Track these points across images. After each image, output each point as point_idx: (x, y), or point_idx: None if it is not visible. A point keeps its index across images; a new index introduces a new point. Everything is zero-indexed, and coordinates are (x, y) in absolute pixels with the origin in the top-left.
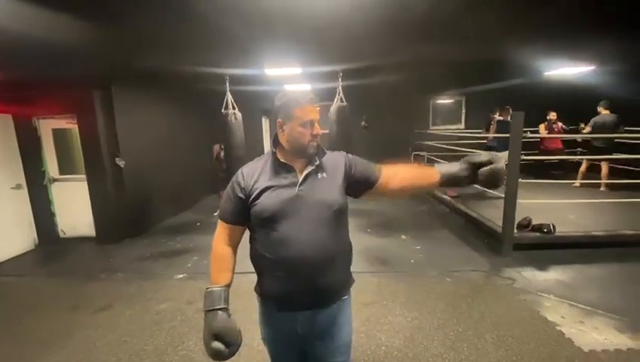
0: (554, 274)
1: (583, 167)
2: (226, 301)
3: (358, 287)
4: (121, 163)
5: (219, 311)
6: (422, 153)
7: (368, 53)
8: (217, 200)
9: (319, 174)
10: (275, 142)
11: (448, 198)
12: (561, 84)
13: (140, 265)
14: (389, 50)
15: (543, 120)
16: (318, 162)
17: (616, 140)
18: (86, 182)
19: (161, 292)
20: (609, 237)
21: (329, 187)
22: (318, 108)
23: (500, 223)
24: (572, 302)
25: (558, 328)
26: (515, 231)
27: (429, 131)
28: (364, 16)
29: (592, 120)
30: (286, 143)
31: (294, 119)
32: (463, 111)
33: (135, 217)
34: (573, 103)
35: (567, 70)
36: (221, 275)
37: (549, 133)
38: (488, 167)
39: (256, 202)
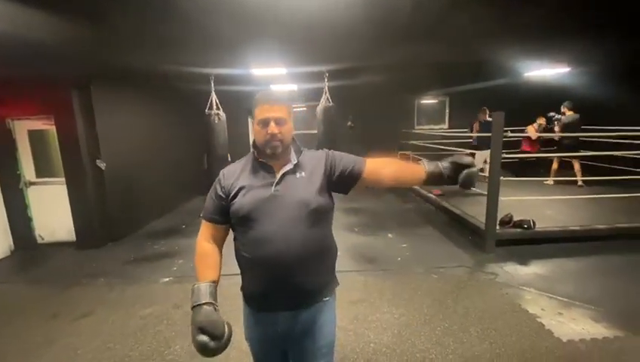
0: (534, 268)
1: (554, 165)
2: (212, 295)
3: (345, 286)
4: (102, 165)
5: (204, 306)
6: (407, 152)
7: (354, 54)
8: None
9: (297, 173)
10: (255, 142)
11: (433, 197)
12: (539, 85)
13: (123, 269)
14: (374, 51)
15: (525, 119)
16: (295, 161)
17: (580, 138)
18: (65, 186)
19: (145, 296)
20: (585, 231)
21: (307, 186)
22: (282, 107)
23: (483, 220)
24: (551, 295)
25: (538, 320)
26: (498, 227)
27: (414, 131)
28: (350, 16)
29: (562, 120)
30: (256, 143)
31: (255, 118)
32: (447, 111)
33: (117, 221)
34: (550, 103)
35: (545, 71)
36: (207, 272)
37: (534, 138)
38: (467, 170)
39: (234, 201)
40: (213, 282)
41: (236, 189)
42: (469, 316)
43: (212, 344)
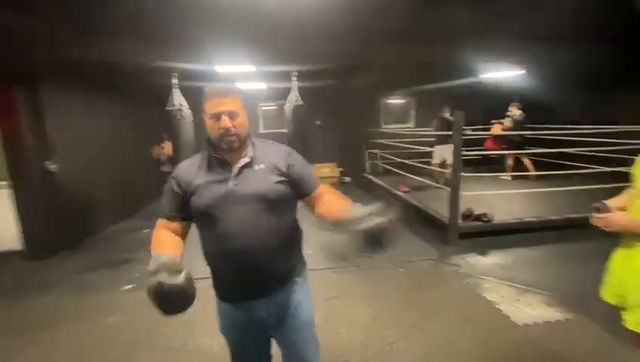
0: (494, 259)
1: (510, 162)
2: (179, 265)
3: (318, 284)
4: (52, 167)
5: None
6: (375, 151)
7: (322, 55)
8: None
9: (256, 166)
10: (209, 137)
11: (401, 193)
12: (498, 86)
13: (81, 278)
14: (341, 52)
15: (485, 118)
16: (252, 153)
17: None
18: (9, 190)
19: (107, 305)
20: (540, 222)
21: (265, 178)
22: (234, 100)
23: (447, 214)
24: (509, 283)
25: (497, 306)
26: (460, 221)
27: (381, 130)
28: (316, 18)
29: (512, 119)
30: (210, 138)
31: (206, 113)
32: (413, 110)
33: (72, 226)
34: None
35: (503, 73)
36: (165, 247)
37: (496, 137)
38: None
39: (193, 198)
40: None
41: (193, 186)
42: (434, 306)
43: (169, 282)
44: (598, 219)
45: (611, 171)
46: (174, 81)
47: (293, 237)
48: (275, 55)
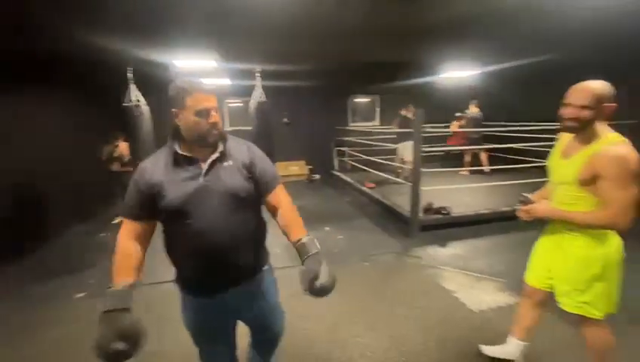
0: (452, 249)
1: (467, 158)
2: (131, 301)
3: (284, 282)
4: None
5: (126, 311)
6: (343, 148)
7: (286, 53)
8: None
9: (225, 162)
10: (175, 134)
11: (367, 190)
12: (458, 85)
13: (28, 288)
14: (305, 51)
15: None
16: (222, 149)
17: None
18: None
19: (56, 316)
20: (493, 214)
21: (235, 174)
22: (215, 97)
23: (409, 208)
24: (465, 271)
25: (454, 294)
26: (421, 214)
27: (348, 128)
28: (281, 17)
29: (468, 116)
30: (184, 133)
31: (186, 108)
32: (378, 109)
33: (14, 234)
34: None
35: (461, 73)
36: (126, 273)
37: (455, 132)
38: (313, 288)
39: (163, 196)
40: (132, 286)
41: (161, 185)
42: (396, 298)
43: (128, 353)
44: (522, 210)
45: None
46: (130, 75)
47: (260, 230)
48: (238, 52)
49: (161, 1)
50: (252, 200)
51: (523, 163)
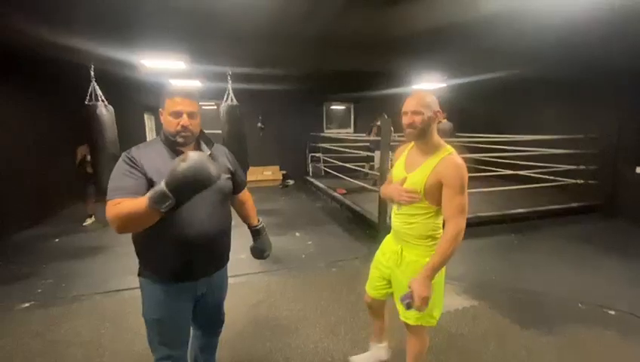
0: None
1: None
2: None
3: (248, 289)
4: None
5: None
6: (317, 154)
7: (259, 58)
8: (83, 209)
9: None
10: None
11: (339, 195)
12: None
13: None
14: (279, 57)
15: None
16: (208, 151)
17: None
18: None
19: None
20: None
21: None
22: (195, 102)
23: (377, 214)
24: None
25: None
26: (388, 220)
27: (322, 134)
28: (254, 21)
29: (439, 127)
30: (164, 132)
31: (165, 108)
32: (352, 116)
33: None
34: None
35: (432, 84)
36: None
37: None
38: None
39: (155, 184)
40: None
41: (155, 173)
42: (359, 303)
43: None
44: (421, 305)
45: (522, 174)
46: (92, 73)
47: (231, 224)
48: (208, 54)
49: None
50: (229, 197)
51: (487, 172)
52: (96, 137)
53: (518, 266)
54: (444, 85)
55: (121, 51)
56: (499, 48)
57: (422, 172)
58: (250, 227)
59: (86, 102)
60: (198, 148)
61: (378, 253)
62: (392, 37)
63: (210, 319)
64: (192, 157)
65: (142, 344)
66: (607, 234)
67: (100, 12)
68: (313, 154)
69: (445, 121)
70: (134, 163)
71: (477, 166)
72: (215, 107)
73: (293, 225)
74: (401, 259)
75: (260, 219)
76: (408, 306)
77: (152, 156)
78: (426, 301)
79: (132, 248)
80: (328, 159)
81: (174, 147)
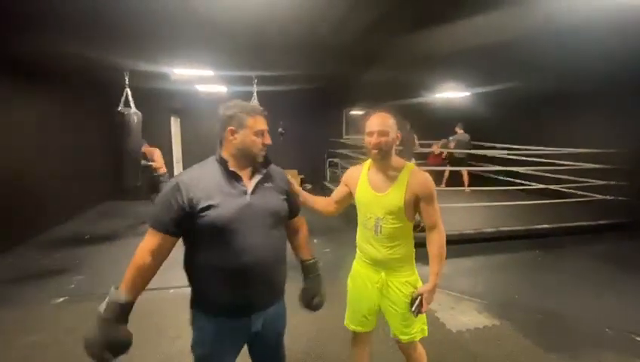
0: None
1: (447, 174)
2: (128, 316)
3: None
4: None
5: (124, 324)
6: (335, 160)
7: (282, 64)
8: (117, 208)
9: (266, 183)
10: (224, 151)
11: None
12: (447, 105)
13: (3, 290)
14: (301, 63)
15: (436, 134)
16: (265, 171)
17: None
18: None
19: (29, 321)
20: (476, 234)
21: (276, 195)
22: (266, 121)
23: None
24: (447, 291)
25: (435, 314)
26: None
27: (341, 140)
28: (277, 28)
29: (455, 138)
30: (237, 151)
31: (247, 128)
32: None
33: None
34: (454, 121)
35: (449, 94)
36: (135, 288)
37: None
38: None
39: (207, 212)
40: (132, 303)
41: (207, 199)
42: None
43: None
44: (424, 306)
45: (540, 188)
46: (127, 81)
47: (286, 251)
48: (234, 61)
49: (155, 16)
50: (284, 221)
51: (511, 185)
52: (124, 141)
53: (542, 285)
54: (467, 94)
55: (153, 63)
56: (528, 60)
57: (398, 190)
58: (301, 262)
59: (119, 108)
60: (254, 169)
61: (358, 285)
62: (420, 53)
63: (269, 357)
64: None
65: (167, 345)
66: (637, 255)
67: (133, 27)
68: (331, 159)
69: (462, 131)
70: (182, 192)
71: (500, 177)
72: None
73: (310, 231)
74: (387, 288)
75: (314, 257)
76: (417, 313)
77: (208, 178)
78: (429, 303)
79: None
80: (346, 166)
81: (228, 167)
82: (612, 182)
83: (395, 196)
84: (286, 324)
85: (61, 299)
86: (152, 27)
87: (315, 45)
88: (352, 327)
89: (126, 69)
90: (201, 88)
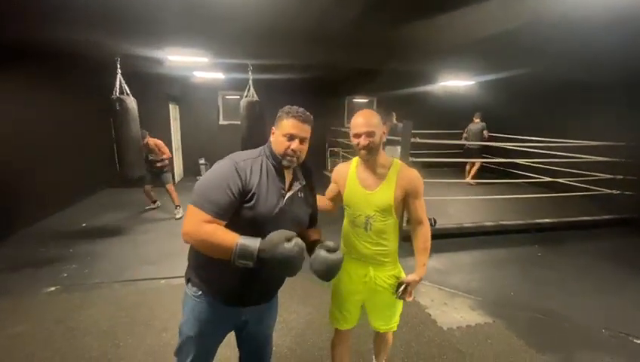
0: (431, 262)
1: (468, 167)
2: None
3: None
4: None
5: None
6: (336, 149)
7: (276, 52)
8: (116, 196)
9: (300, 193)
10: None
11: None
12: (452, 93)
13: None
14: (298, 51)
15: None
16: (304, 182)
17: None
18: None
19: (19, 311)
20: (475, 227)
21: (304, 206)
22: (309, 128)
23: None
24: (441, 287)
25: (426, 311)
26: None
27: (343, 129)
28: (272, 17)
29: (468, 127)
30: (273, 150)
31: (279, 128)
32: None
33: None
34: (460, 110)
35: (456, 82)
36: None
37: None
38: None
39: (250, 203)
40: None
41: (255, 191)
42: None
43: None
44: (408, 295)
45: (550, 181)
46: (118, 66)
47: None
48: (228, 47)
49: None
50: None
51: (515, 178)
52: (121, 128)
53: (540, 283)
54: (472, 83)
55: (148, 48)
56: (538, 48)
57: (387, 187)
58: (312, 241)
59: (112, 95)
60: (295, 174)
61: (344, 280)
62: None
63: (257, 350)
64: (294, 248)
65: (153, 337)
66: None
67: (130, 13)
68: (332, 148)
69: (478, 121)
70: (240, 175)
71: (506, 169)
72: (238, 97)
73: None
74: (374, 282)
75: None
76: (401, 298)
77: (258, 169)
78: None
79: (151, 237)
80: (347, 155)
81: (279, 165)
82: (620, 177)
83: (385, 193)
84: (276, 319)
85: (53, 288)
86: (147, 11)
87: (315, 33)
88: (335, 325)
89: (118, 54)
90: (199, 75)
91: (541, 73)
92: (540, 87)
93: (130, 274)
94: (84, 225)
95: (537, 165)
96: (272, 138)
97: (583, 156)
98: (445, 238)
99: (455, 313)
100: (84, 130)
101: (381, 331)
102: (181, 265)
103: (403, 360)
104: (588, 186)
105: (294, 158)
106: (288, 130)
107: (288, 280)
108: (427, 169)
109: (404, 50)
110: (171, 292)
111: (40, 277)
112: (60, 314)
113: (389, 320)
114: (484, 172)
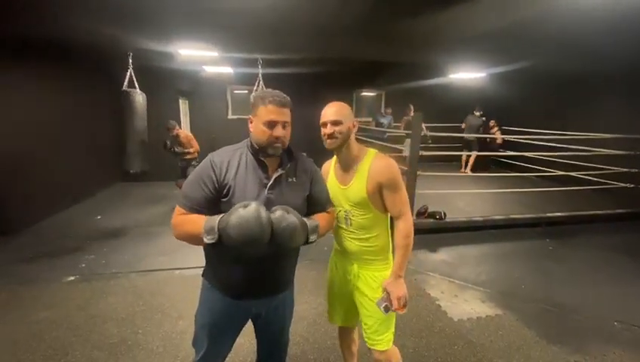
0: (441, 255)
1: (464, 158)
2: None
3: None
4: None
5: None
6: None
7: (287, 46)
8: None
9: (289, 178)
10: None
11: None
12: (461, 86)
13: (15, 268)
14: (307, 45)
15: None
16: (288, 166)
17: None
18: None
19: (42, 298)
20: (484, 221)
21: (296, 192)
22: (289, 111)
23: None
24: (451, 279)
25: (437, 302)
26: (415, 218)
27: None
28: (281, 10)
29: (467, 118)
30: (253, 140)
31: (257, 116)
32: (383, 104)
33: (6, 212)
34: (469, 103)
35: (465, 75)
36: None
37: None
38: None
39: (228, 198)
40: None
41: (231, 185)
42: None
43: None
44: (401, 307)
45: (557, 175)
46: (130, 61)
47: (299, 248)
48: (238, 42)
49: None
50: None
51: (527, 171)
52: (129, 122)
53: (551, 275)
54: (483, 75)
55: (159, 42)
56: (550, 39)
57: (359, 181)
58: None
59: (123, 89)
60: (281, 160)
61: (332, 277)
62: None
63: (272, 341)
64: (249, 211)
65: (169, 324)
66: None
67: (143, 7)
68: None
69: (478, 114)
70: (215, 170)
71: (518, 163)
72: (247, 92)
73: None
74: (357, 279)
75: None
76: (386, 309)
77: (236, 163)
78: (403, 299)
79: (164, 229)
80: None
81: (259, 156)
82: (635, 170)
83: (357, 187)
84: (292, 315)
85: (72, 278)
86: (159, 6)
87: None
88: (329, 320)
89: (131, 49)
90: (209, 69)
91: (553, 65)
92: (554, 79)
93: (145, 265)
94: (98, 217)
95: (549, 158)
96: (250, 128)
97: (595, 149)
98: (455, 232)
99: (465, 305)
100: (98, 124)
101: (368, 346)
102: (193, 256)
103: (414, 349)
104: (600, 180)
105: (279, 145)
106: (268, 117)
107: (298, 275)
108: (436, 163)
109: (416, 42)
110: (185, 282)
111: (60, 266)
112: (81, 302)
113: (372, 334)
114: (500, 167)
